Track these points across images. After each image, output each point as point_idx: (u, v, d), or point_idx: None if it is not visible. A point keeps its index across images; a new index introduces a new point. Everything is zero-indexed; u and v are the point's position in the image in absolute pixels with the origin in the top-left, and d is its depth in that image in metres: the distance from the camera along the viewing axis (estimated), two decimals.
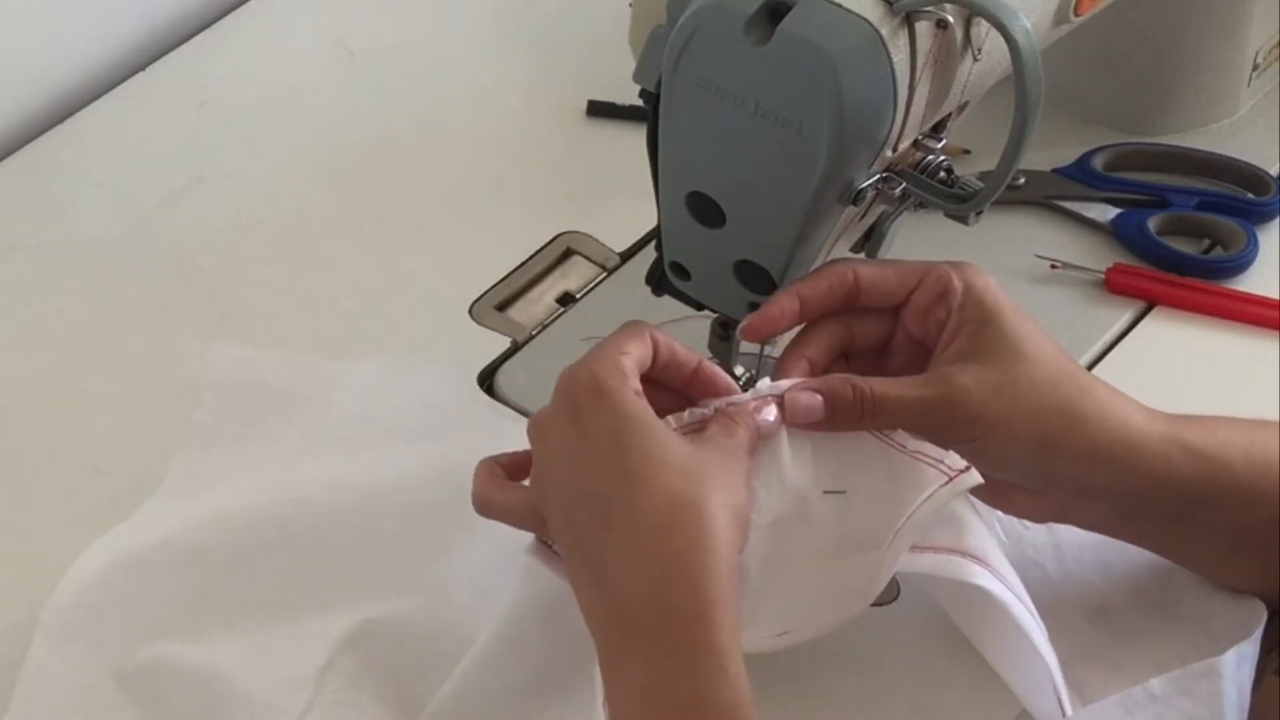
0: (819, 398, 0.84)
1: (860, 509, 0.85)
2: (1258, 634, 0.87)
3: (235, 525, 0.94)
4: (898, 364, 0.89)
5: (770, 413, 0.85)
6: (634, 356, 0.83)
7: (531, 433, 0.84)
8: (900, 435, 0.87)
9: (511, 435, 1.02)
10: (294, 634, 0.91)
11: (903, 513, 0.84)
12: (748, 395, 0.86)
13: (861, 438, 0.86)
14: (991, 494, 0.88)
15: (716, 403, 0.85)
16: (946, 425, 0.85)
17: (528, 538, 0.85)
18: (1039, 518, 0.90)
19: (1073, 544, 0.94)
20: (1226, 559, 0.89)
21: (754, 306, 0.93)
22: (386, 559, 0.93)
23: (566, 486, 0.82)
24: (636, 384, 0.82)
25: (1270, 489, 0.85)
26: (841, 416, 0.84)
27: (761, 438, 0.84)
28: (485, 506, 0.86)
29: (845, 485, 0.85)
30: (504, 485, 0.85)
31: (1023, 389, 0.84)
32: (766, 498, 0.84)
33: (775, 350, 0.99)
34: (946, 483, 0.84)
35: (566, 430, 0.82)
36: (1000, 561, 0.86)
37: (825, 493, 0.85)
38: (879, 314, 0.88)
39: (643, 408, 0.81)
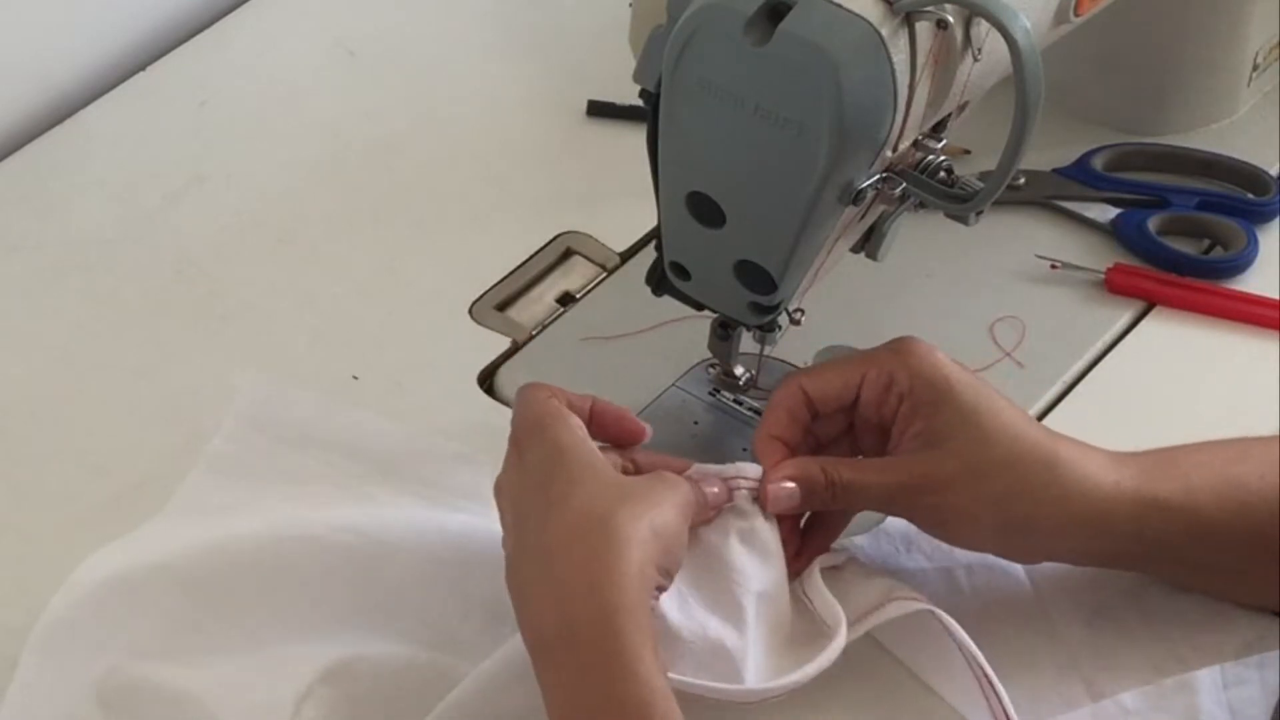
0: (795, 487, 0.87)
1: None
2: (1270, 658, 0.87)
3: (234, 556, 0.93)
4: (867, 445, 0.91)
5: (714, 484, 0.88)
6: (562, 396, 0.87)
7: (494, 492, 0.87)
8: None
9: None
10: (276, 662, 0.90)
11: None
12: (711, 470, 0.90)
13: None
14: (977, 548, 0.90)
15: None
16: (911, 511, 0.88)
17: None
18: (1030, 563, 0.92)
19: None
20: (1202, 581, 0.90)
21: (754, 306, 0.93)
22: (381, 604, 0.92)
23: (508, 523, 0.84)
24: (575, 418, 0.85)
25: (1240, 526, 0.86)
26: (815, 500, 0.88)
27: (710, 505, 0.87)
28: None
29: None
30: None
31: (984, 475, 0.86)
32: (754, 569, 0.87)
33: (775, 350, 0.99)
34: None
35: (513, 473, 0.85)
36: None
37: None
38: (833, 414, 0.91)
39: (578, 437, 0.84)
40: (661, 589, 0.82)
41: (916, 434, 0.87)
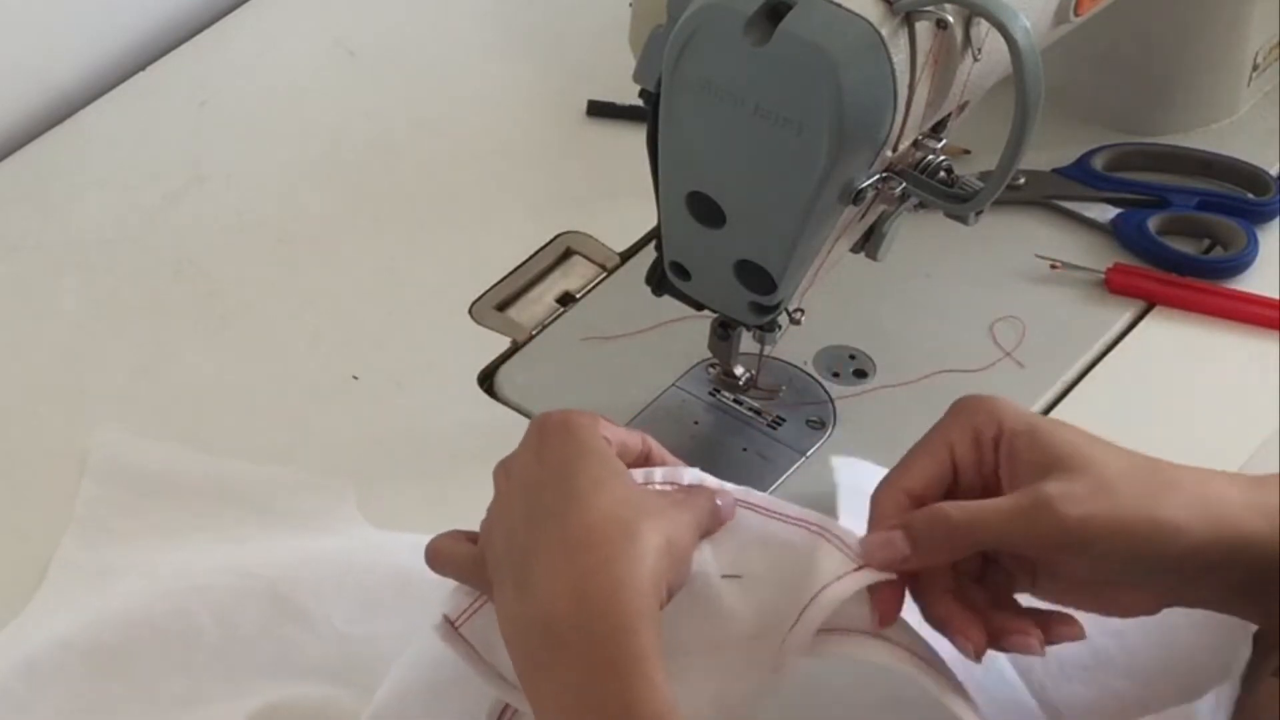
0: (898, 534, 0.81)
1: (763, 593, 0.83)
2: (1236, 676, 0.86)
3: (128, 619, 0.91)
4: None
5: (727, 498, 0.83)
6: (613, 429, 0.84)
7: (497, 471, 0.85)
8: (782, 506, 0.84)
9: (511, 435, 1.03)
10: None
11: (807, 591, 0.81)
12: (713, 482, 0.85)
13: (746, 517, 0.84)
14: (1093, 599, 0.83)
15: (688, 475, 0.85)
16: (1044, 536, 0.80)
17: (434, 619, 0.84)
18: (1147, 612, 0.84)
19: None
20: None
21: (754, 306, 0.93)
22: (287, 645, 0.91)
23: (515, 508, 0.82)
24: (608, 434, 0.83)
25: None
26: (930, 548, 0.81)
27: (720, 519, 0.83)
28: (434, 555, 0.85)
29: (741, 569, 0.83)
30: (459, 538, 0.85)
31: (1115, 484, 0.80)
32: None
33: (774, 350, 0.99)
34: (856, 569, 0.81)
35: (528, 460, 0.83)
36: (915, 635, 0.82)
37: (723, 576, 0.83)
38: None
39: (605, 447, 0.82)
40: (663, 605, 0.80)
41: (1028, 465, 0.81)
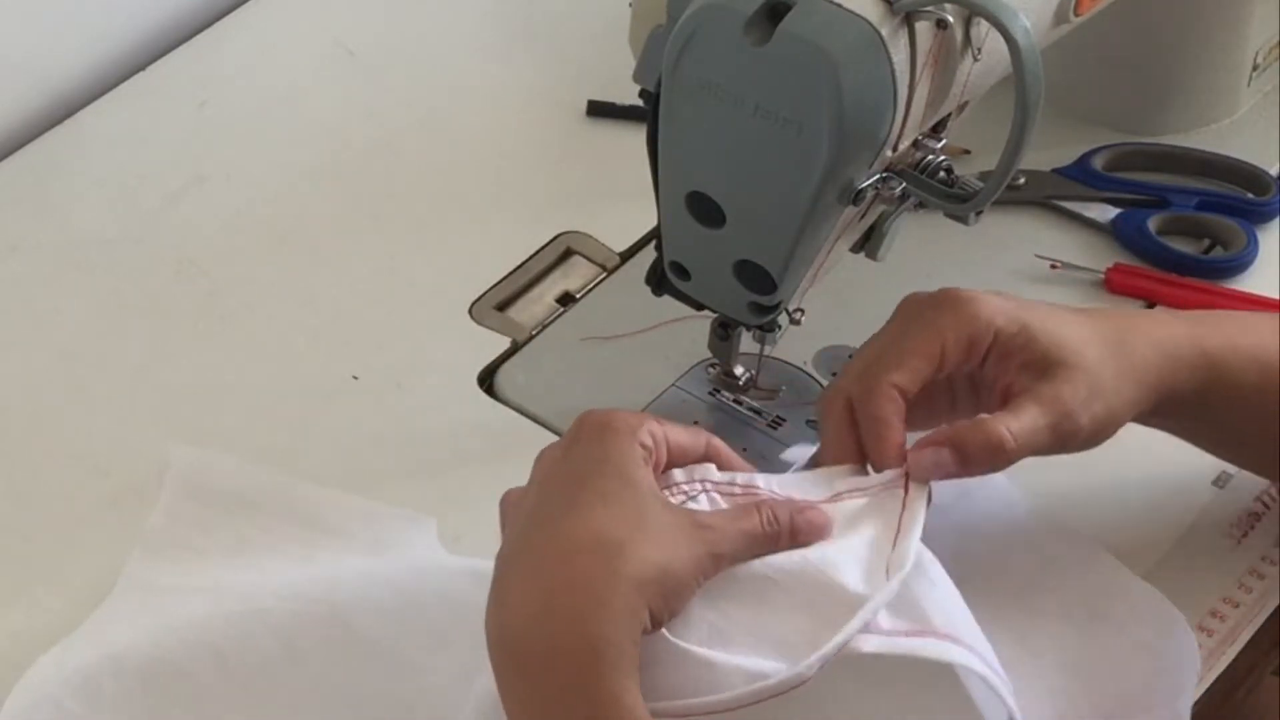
0: (947, 453, 0.84)
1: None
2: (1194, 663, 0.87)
3: (193, 639, 0.90)
4: (944, 406, 0.90)
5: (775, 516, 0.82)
6: (671, 435, 0.83)
7: (536, 458, 0.84)
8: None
9: (510, 435, 1.03)
10: None
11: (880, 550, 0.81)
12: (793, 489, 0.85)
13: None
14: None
15: (742, 479, 0.84)
16: (1068, 440, 0.87)
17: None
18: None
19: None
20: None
21: (754, 306, 0.93)
22: (347, 674, 0.90)
23: (529, 503, 0.81)
24: (648, 441, 0.81)
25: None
26: (979, 467, 0.85)
27: (797, 538, 0.82)
28: (504, 503, 0.85)
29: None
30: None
31: (1101, 383, 0.86)
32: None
33: (774, 350, 0.99)
34: (904, 490, 0.83)
35: (557, 457, 0.82)
36: (970, 633, 0.81)
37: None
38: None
39: (632, 458, 0.80)
40: (646, 631, 0.77)
41: (1023, 365, 0.86)
